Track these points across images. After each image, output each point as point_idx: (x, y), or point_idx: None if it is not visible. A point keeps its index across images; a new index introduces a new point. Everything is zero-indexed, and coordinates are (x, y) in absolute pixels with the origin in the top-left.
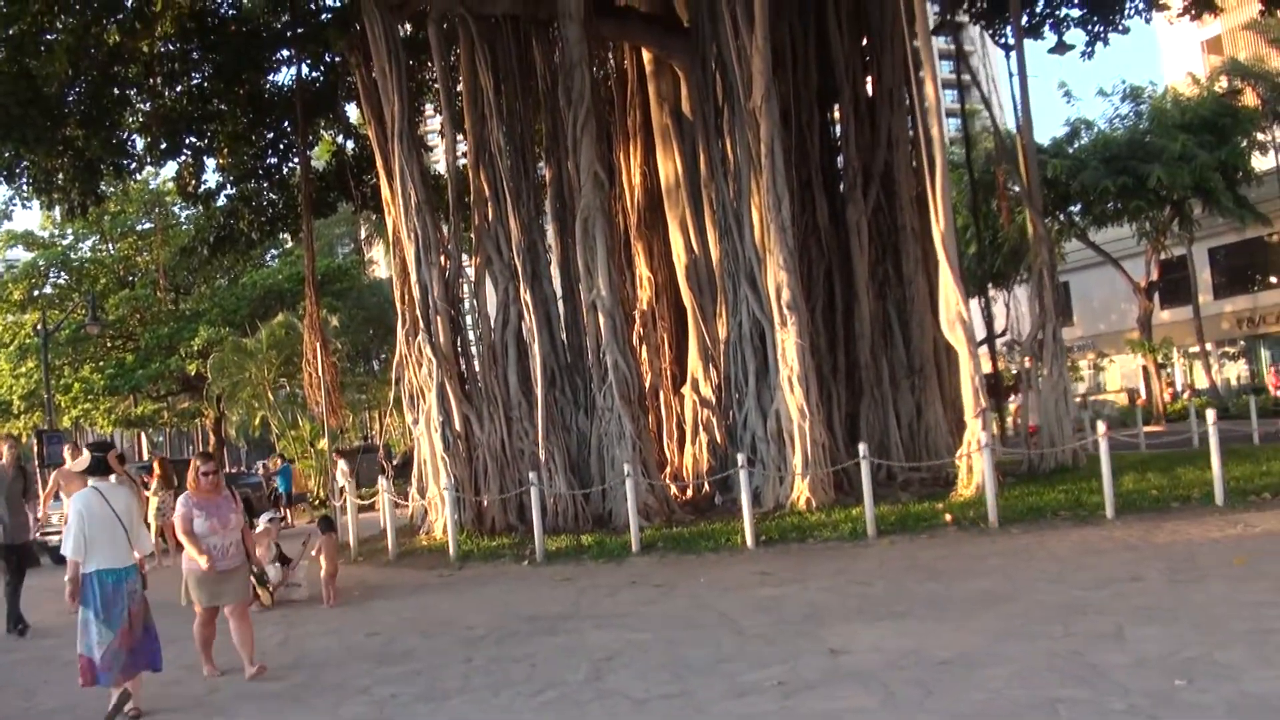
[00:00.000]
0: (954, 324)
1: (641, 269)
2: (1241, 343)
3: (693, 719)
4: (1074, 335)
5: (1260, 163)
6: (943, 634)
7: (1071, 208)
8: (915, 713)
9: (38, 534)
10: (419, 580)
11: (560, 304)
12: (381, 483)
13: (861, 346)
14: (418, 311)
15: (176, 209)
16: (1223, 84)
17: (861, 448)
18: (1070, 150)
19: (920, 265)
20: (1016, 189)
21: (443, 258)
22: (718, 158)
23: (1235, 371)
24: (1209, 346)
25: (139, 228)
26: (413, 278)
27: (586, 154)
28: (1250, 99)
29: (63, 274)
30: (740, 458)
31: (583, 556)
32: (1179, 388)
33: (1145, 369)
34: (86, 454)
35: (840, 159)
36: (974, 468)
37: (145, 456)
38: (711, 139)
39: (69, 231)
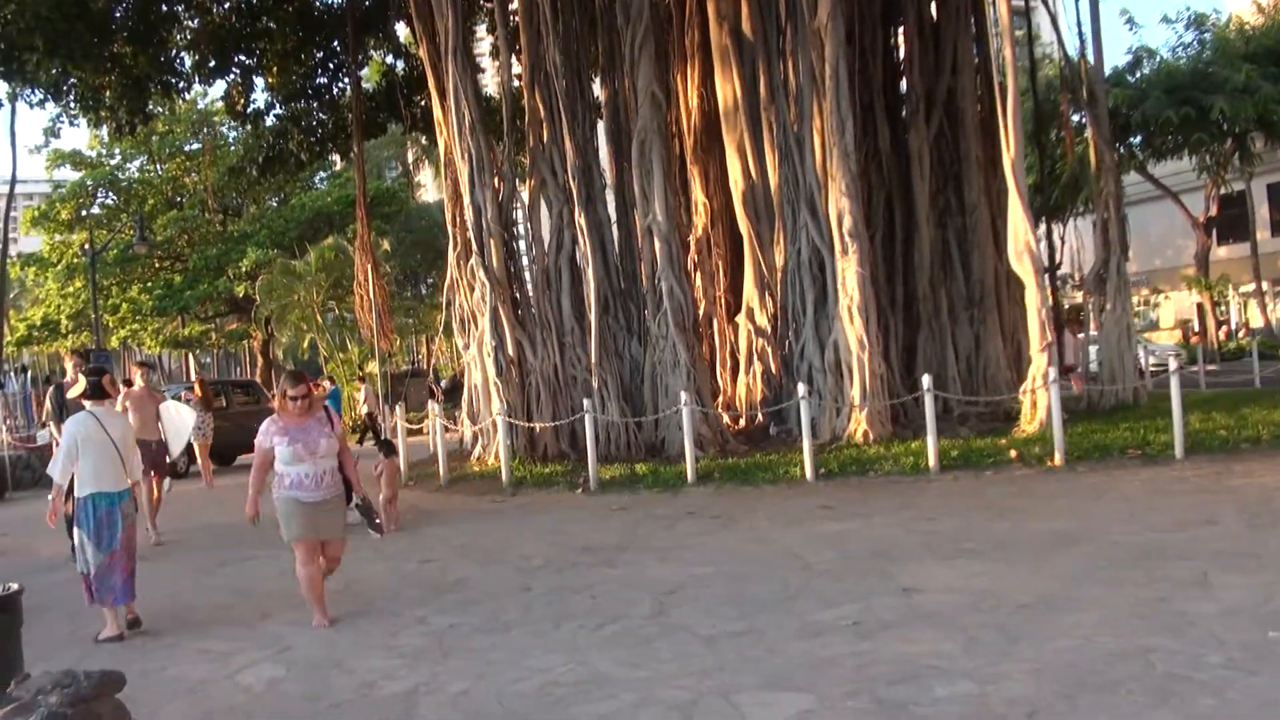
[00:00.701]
0: (1021, 255)
1: (697, 194)
2: None
3: (765, 660)
4: (1128, 270)
5: None
6: (1019, 575)
7: (1131, 139)
8: (1001, 660)
9: None
10: (471, 506)
11: (614, 229)
12: (431, 407)
13: (920, 277)
14: (470, 234)
15: (224, 129)
16: None
17: (925, 380)
18: (1131, 80)
19: (983, 194)
20: (1076, 118)
21: (496, 180)
22: (779, 80)
23: None
24: (1264, 285)
25: (187, 148)
26: (466, 200)
27: (644, 73)
28: None
29: (110, 194)
30: (800, 388)
31: (637, 486)
32: (1233, 326)
33: (1200, 306)
34: (83, 379)
35: (903, 83)
36: (1038, 403)
37: (191, 377)
38: (773, 60)
39: (116, 152)
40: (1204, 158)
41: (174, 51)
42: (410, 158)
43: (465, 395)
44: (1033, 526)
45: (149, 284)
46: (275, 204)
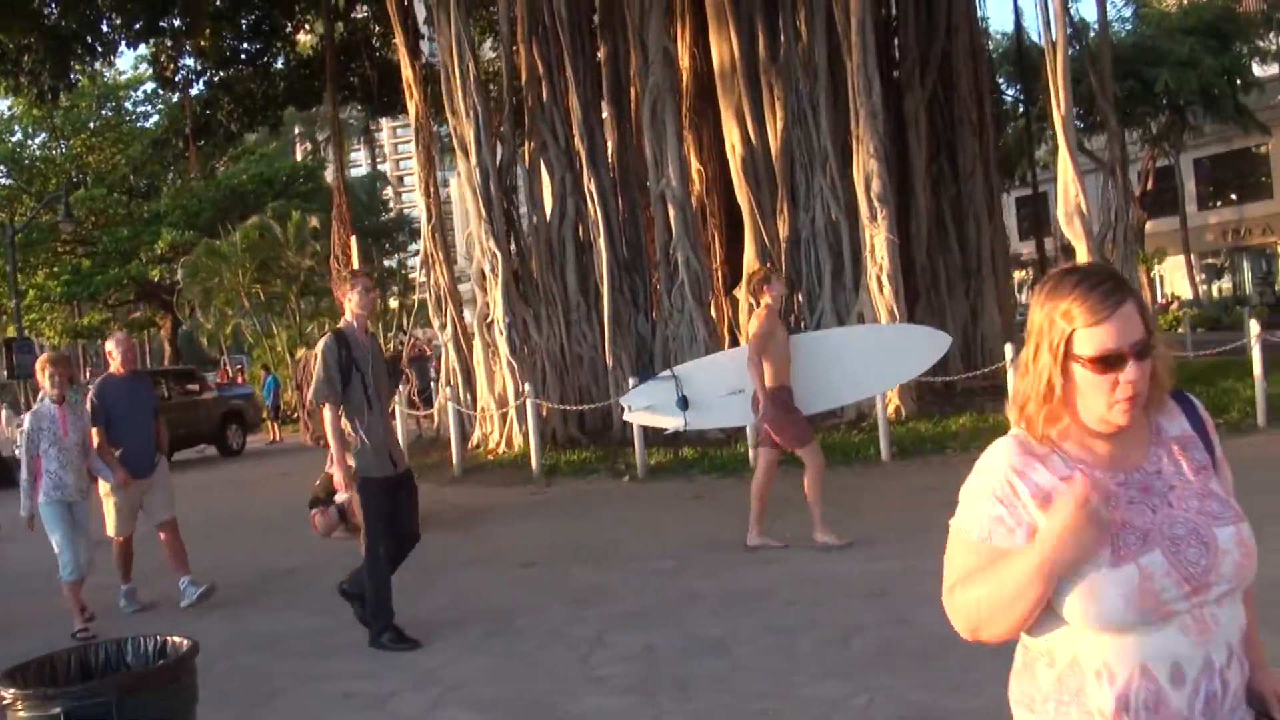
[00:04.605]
0: (1072, 217)
1: (691, 162)
2: (1224, 254)
3: None
4: (1053, 246)
5: (1258, 71)
6: None
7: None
8: None
9: None
10: (509, 500)
11: (619, 197)
12: (426, 392)
13: (917, 247)
14: (480, 203)
15: (129, 105)
16: None
17: (1008, 350)
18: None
19: (978, 161)
20: (1011, 92)
21: (497, 142)
22: (792, 37)
23: (1218, 284)
24: (1193, 258)
25: (91, 124)
26: (473, 161)
27: (655, 28)
28: (1251, 4)
29: (10, 175)
30: None
31: (690, 471)
32: (1167, 299)
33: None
34: None
35: (896, 46)
36: None
37: (87, 375)
38: (773, 17)
39: (16, 128)
40: (1147, 130)
41: (99, 14)
42: (320, 136)
43: (443, 378)
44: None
45: (55, 269)
46: (200, 181)
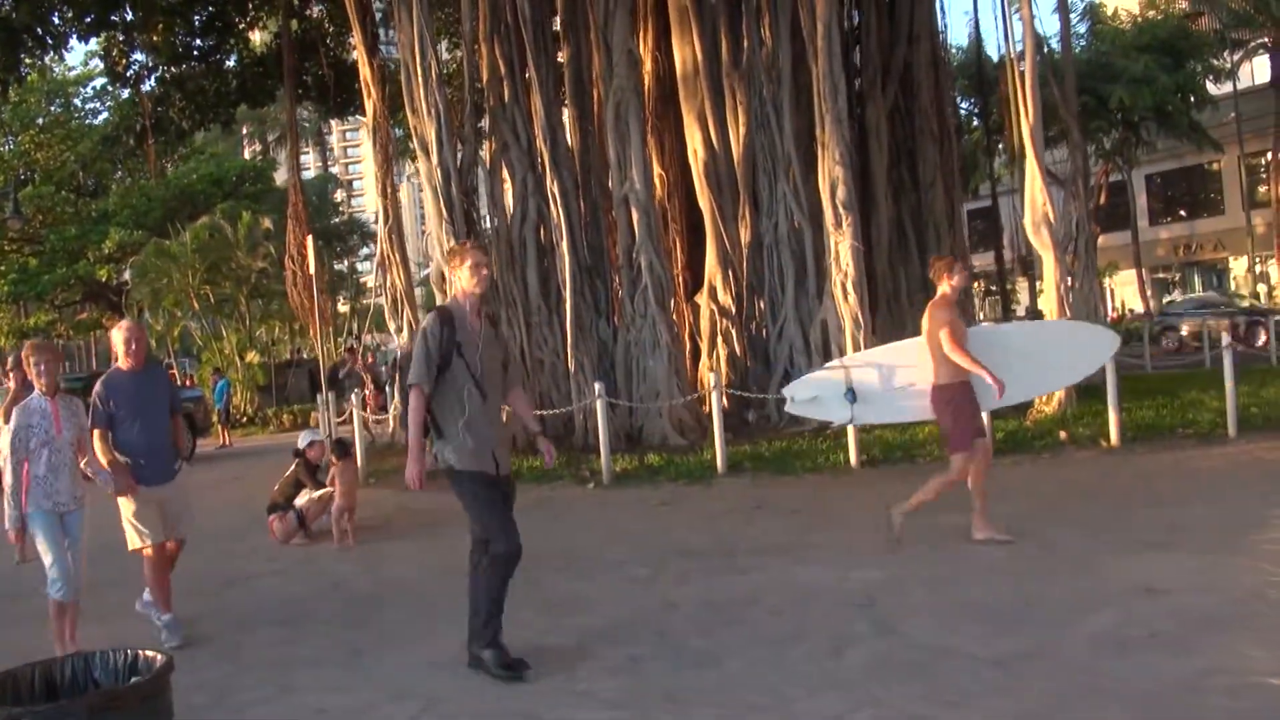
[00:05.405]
0: (1039, 226)
1: (653, 166)
2: (1175, 269)
3: (1113, 690)
4: (1011, 258)
5: (1210, 89)
6: (1258, 568)
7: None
8: None
9: None
10: None
11: (580, 199)
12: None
13: (878, 257)
14: (441, 204)
15: (78, 102)
16: (1183, 6)
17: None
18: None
19: (937, 170)
20: (965, 105)
21: (458, 142)
22: (756, 42)
23: (1169, 298)
24: (1144, 272)
25: (39, 120)
26: (434, 161)
27: (620, 30)
28: (1205, 23)
29: None
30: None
31: (656, 478)
32: (1118, 312)
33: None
34: None
35: (858, 54)
36: None
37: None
38: (736, 21)
39: None
40: (1100, 145)
41: (52, 6)
42: (271, 137)
43: (396, 383)
44: (1187, 512)
45: (1, 268)
46: (151, 179)
